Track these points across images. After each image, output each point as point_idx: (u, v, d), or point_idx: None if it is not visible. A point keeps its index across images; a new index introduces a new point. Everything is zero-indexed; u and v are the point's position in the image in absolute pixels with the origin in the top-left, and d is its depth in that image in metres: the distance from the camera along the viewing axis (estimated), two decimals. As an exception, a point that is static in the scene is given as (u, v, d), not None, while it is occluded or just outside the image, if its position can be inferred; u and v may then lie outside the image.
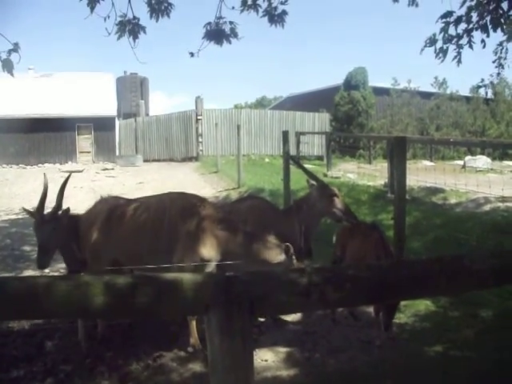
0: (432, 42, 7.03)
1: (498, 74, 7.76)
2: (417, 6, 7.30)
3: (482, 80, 7.96)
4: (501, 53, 7.53)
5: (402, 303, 5.22)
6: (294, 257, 4.35)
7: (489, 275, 2.09)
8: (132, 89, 33.92)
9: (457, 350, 4.30)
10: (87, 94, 28.75)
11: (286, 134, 10.26)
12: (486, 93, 8.28)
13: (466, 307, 5.12)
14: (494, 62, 7.66)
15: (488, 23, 6.39)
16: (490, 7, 6.41)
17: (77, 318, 4.47)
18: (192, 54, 6.79)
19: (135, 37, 6.44)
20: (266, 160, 24.34)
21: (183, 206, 4.51)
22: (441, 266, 2.00)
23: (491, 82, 8.21)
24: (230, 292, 1.67)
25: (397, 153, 6.31)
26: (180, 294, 1.66)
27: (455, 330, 4.72)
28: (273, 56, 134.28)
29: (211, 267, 4.32)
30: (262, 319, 5.08)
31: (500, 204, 9.62)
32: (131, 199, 4.98)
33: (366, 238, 4.68)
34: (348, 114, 28.12)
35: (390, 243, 4.87)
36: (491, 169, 17.08)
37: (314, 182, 5.20)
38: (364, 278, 1.87)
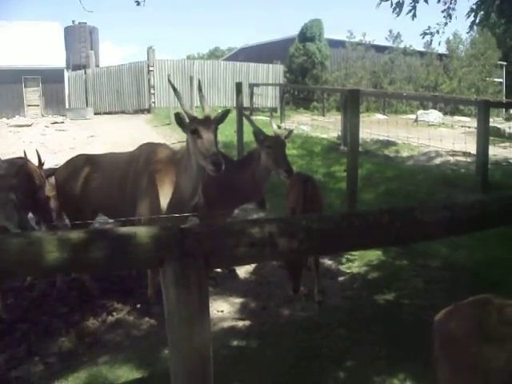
0: None
1: (446, 23, 7.83)
2: None
3: (429, 27, 8.01)
4: (450, 3, 7.60)
5: (354, 253, 5.37)
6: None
7: (438, 227, 2.16)
8: (81, 39, 32.53)
9: (407, 299, 4.47)
10: (33, 44, 27.40)
11: (239, 86, 10.17)
12: (431, 41, 8.32)
13: (416, 258, 5.30)
14: (442, 11, 7.73)
15: None
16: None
17: (31, 276, 4.42)
18: (138, 3, 6.56)
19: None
20: (219, 111, 24.05)
21: (147, 156, 4.45)
22: (392, 217, 2.05)
23: (447, 38, 8.31)
24: (185, 245, 1.67)
25: (350, 105, 6.36)
26: (134, 248, 1.66)
27: (405, 279, 4.89)
28: (225, 6, 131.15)
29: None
30: (217, 270, 5.14)
31: (450, 158, 9.90)
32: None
33: (294, 191, 4.71)
34: (302, 66, 27.95)
35: (318, 197, 4.83)
36: (443, 123, 17.41)
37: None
38: (316, 229, 1.90)
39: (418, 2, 7.00)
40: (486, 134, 7.73)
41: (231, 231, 1.81)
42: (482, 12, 6.75)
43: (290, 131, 5.24)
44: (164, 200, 4.23)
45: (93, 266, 1.76)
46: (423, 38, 8.13)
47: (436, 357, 2.07)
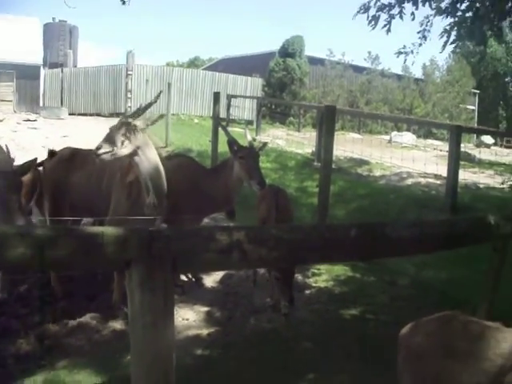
0: (365, 9, 7.25)
1: (420, 44, 8.02)
2: None
3: (404, 46, 8.21)
4: (426, 25, 7.81)
5: (322, 267, 5.38)
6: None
7: (408, 243, 2.18)
8: (60, 37, 32.00)
9: (373, 314, 4.50)
10: (10, 38, 26.85)
11: (217, 96, 10.20)
12: (405, 60, 8.51)
13: (384, 274, 5.34)
14: (418, 32, 7.94)
15: None
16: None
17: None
18: (123, 2, 6.61)
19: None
20: (195, 121, 24.06)
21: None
22: (362, 231, 2.06)
23: (423, 64, 8.51)
24: (153, 247, 1.64)
25: (326, 122, 6.40)
26: (100, 248, 1.62)
27: (372, 295, 4.92)
28: (208, 16, 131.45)
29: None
30: (184, 278, 5.10)
31: (421, 179, 10.04)
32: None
33: (265, 202, 4.75)
34: (281, 81, 28.13)
35: (289, 209, 4.91)
36: (415, 145, 17.69)
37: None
38: (286, 238, 1.89)
39: (393, 18, 7.22)
40: (457, 158, 7.89)
41: (200, 236, 1.79)
42: (454, 32, 6.96)
43: (265, 143, 5.26)
44: (128, 200, 4.24)
45: (57, 264, 1.72)
46: (398, 56, 8.30)
47: (400, 371, 2.08)
